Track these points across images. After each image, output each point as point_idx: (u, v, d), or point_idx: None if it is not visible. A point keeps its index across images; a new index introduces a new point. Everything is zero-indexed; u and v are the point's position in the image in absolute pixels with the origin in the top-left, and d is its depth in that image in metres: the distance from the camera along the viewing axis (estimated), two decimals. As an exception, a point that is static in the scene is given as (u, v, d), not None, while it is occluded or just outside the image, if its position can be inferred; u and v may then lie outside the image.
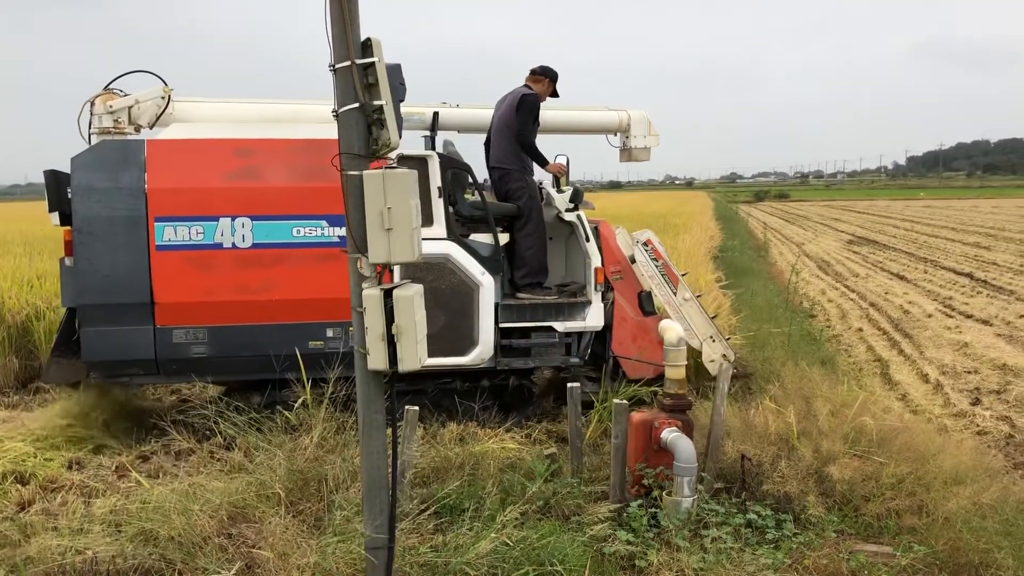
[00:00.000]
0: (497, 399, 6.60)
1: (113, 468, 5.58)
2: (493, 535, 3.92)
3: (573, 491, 4.76)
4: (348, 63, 2.97)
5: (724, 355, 6.87)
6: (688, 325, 6.84)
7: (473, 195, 6.71)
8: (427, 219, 6.08)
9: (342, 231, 5.61)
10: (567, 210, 6.81)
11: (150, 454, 5.90)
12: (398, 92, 3.17)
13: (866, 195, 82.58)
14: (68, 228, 5.78)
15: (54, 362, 6.04)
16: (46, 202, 5.85)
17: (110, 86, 6.16)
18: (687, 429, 4.74)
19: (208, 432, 5.55)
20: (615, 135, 7.80)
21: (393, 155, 5.88)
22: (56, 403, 6.68)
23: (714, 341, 6.85)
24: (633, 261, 6.82)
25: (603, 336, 6.70)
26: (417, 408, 4.71)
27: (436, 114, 7.07)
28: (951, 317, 11.69)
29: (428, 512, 4.26)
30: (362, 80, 3.00)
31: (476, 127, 7.35)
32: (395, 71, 3.13)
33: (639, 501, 4.55)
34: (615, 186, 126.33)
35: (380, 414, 3.26)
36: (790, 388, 5.95)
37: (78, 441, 6.00)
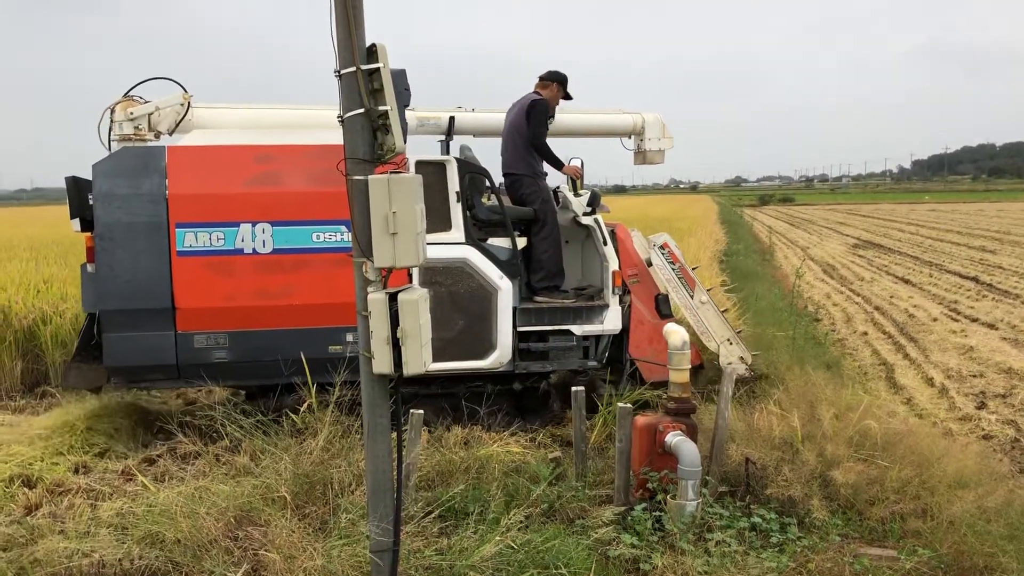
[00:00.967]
0: (516, 402, 6.64)
1: (119, 471, 5.60)
2: (497, 538, 3.93)
3: (577, 494, 4.77)
4: (353, 68, 2.99)
5: (741, 357, 6.89)
6: (705, 328, 6.87)
7: (490, 199, 6.74)
8: (445, 223, 6.14)
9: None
10: (585, 214, 6.82)
11: (156, 457, 5.91)
12: (403, 97, 3.20)
13: (871, 199, 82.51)
14: (89, 234, 5.84)
15: (75, 367, 6.07)
16: (67, 207, 5.91)
17: (130, 93, 6.20)
18: (691, 433, 4.74)
19: (214, 435, 5.57)
20: (629, 138, 7.84)
21: (411, 160, 5.97)
22: (62, 407, 6.71)
23: (731, 344, 6.86)
24: (649, 264, 6.83)
25: (620, 339, 6.72)
26: (421, 412, 4.72)
27: (452, 118, 7.14)
28: (956, 321, 11.66)
29: (433, 515, 4.27)
30: (367, 85, 3.02)
31: (492, 131, 7.41)
32: (400, 76, 3.16)
33: (643, 505, 4.56)
34: (620, 190, 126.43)
35: (385, 418, 3.27)
36: (794, 392, 5.94)
37: (85, 445, 6.02)
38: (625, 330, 6.67)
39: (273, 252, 5.86)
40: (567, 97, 7.00)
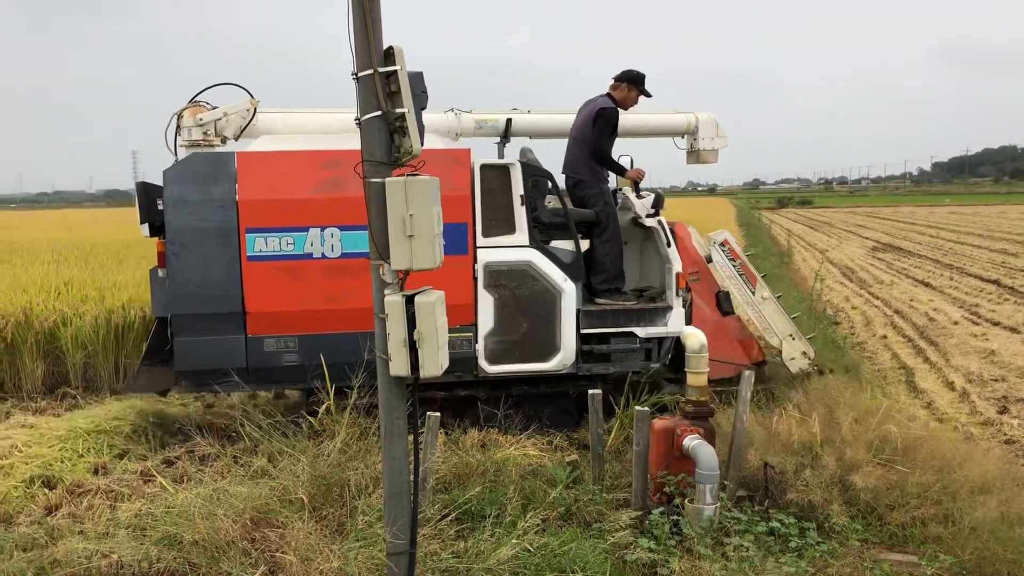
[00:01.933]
0: (577, 403, 6.62)
1: (138, 473, 5.64)
2: (514, 541, 3.92)
3: (594, 498, 4.76)
4: (370, 71, 3.00)
5: (804, 352, 6.86)
6: (768, 324, 6.87)
7: (551, 203, 6.74)
8: (509, 226, 6.21)
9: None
10: (648, 215, 6.81)
11: (175, 459, 5.96)
12: (420, 100, 3.19)
13: (891, 201, 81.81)
14: (160, 239, 5.91)
15: (144, 370, 6.15)
16: (136, 212, 5.96)
17: (196, 99, 6.24)
18: (709, 436, 4.72)
19: (232, 436, 5.60)
20: (682, 137, 7.84)
21: (476, 164, 5.99)
22: (82, 408, 6.77)
23: (794, 339, 6.84)
24: (709, 261, 6.81)
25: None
26: (438, 414, 4.71)
27: (509, 121, 7.18)
28: (977, 324, 11.53)
29: (449, 518, 4.26)
30: (384, 88, 3.03)
31: (548, 133, 7.45)
32: (417, 79, 3.15)
33: (661, 508, 4.54)
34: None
35: (402, 420, 3.27)
36: (813, 395, 5.91)
37: (105, 446, 6.07)
38: None
39: (342, 256, 5.93)
40: (645, 95, 6.89)
